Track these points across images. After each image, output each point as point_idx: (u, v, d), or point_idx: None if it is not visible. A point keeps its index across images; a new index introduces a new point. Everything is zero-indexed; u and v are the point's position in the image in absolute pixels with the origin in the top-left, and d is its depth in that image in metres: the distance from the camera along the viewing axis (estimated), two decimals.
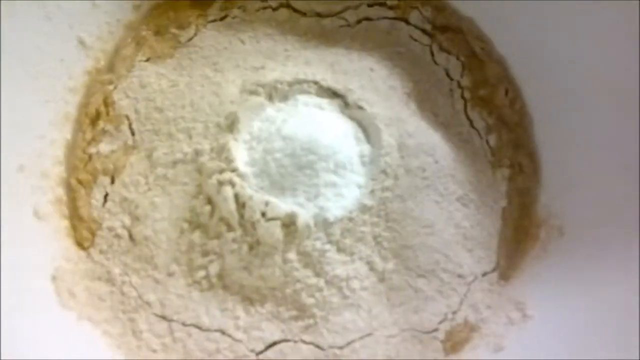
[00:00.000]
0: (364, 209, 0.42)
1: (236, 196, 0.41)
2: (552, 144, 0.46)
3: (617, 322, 0.38)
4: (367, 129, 0.44)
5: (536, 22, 0.46)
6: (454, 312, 0.42)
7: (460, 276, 0.43)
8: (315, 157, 0.41)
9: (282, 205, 0.41)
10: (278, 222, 0.40)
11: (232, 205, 0.41)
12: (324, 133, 0.42)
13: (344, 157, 0.42)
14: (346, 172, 0.42)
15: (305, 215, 0.41)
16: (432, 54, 0.49)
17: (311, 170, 0.41)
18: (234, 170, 0.42)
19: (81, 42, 0.46)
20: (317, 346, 0.41)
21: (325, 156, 0.41)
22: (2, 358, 0.34)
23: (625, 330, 0.37)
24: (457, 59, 0.49)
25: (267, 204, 0.41)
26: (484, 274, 0.44)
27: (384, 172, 0.42)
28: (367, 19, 0.50)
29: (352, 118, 0.45)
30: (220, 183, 0.41)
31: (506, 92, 0.48)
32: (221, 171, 0.42)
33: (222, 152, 0.42)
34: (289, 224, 0.40)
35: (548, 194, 0.46)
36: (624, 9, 0.41)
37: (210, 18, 0.50)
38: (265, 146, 0.43)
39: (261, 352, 0.41)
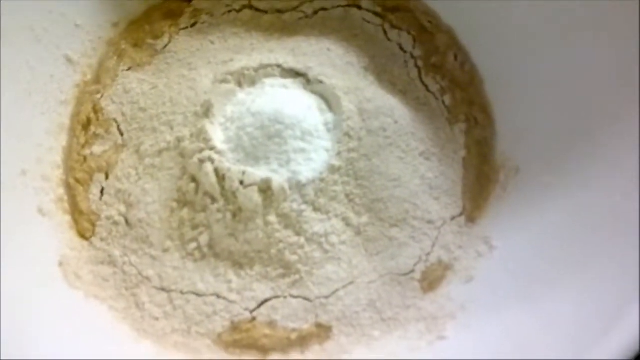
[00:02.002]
0: (333, 169, 0.46)
1: (216, 170, 0.45)
2: (503, 97, 0.51)
3: (569, 243, 0.41)
4: (328, 100, 0.49)
5: None
6: (428, 254, 0.46)
7: (430, 222, 0.47)
8: (282, 127, 0.46)
9: (258, 172, 0.45)
10: (255, 188, 0.44)
11: (213, 179, 0.45)
12: (289, 106, 0.47)
13: (309, 125, 0.47)
14: (313, 139, 0.47)
15: (279, 179, 0.45)
16: (385, 32, 0.54)
17: (280, 139, 0.46)
18: (212, 148, 0.46)
19: (68, 60, 0.52)
20: (305, 298, 0.44)
21: (291, 125, 0.46)
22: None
23: (574, 248, 0.40)
24: (408, 33, 0.54)
25: (243, 173, 0.45)
26: (452, 218, 0.47)
27: (347, 134, 0.47)
28: (323, 9, 0.55)
29: (314, 92, 0.49)
30: (201, 161, 0.46)
31: (455, 57, 0.52)
32: (201, 151, 0.46)
33: (200, 135, 0.47)
34: (265, 189, 0.45)
35: (504, 141, 0.49)
36: None
37: (182, 26, 0.55)
38: (238, 125, 0.47)
39: (254, 309, 0.44)
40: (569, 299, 0.38)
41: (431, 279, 0.45)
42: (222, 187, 0.45)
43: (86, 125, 0.51)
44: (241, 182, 0.45)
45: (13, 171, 0.46)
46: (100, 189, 0.49)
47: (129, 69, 0.53)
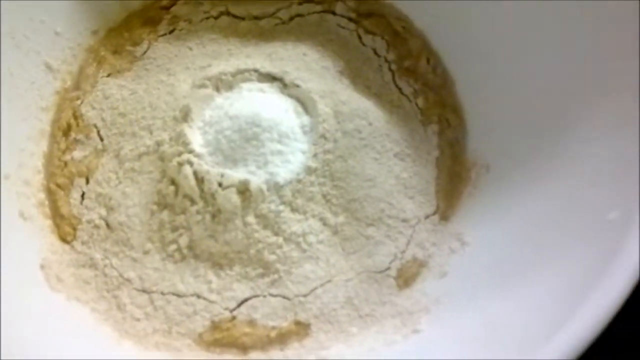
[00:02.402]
0: (309, 170, 0.47)
1: (195, 173, 0.46)
2: (473, 99, 0.52)
3: (538, 236, 0.43)
4: (304, 103, 0.50)
5: None
6: (403, 252, 0.47)
7: (404, 220, 0.48)
8: (260, 129, 0.47)
9: (235, 174, 0.46)
10: (233, 189, 0.45)
11: (192, 182, 0.46)
12: (266, 109, 0.48)
13: (285, 127, 0.48)
14: (290, 141, 0.48)
15: (257, 180, 0.46)
16: (360, 37, 0.55)
17: (257, 141, 0.47)
18: (191, 151, 0.47)
19: (48, 67, 0.52)
20: (284, 297, 0.45)
21: (268, 127, 0.47)
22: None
23: (543, 240, 0.42)
24: (382, 38, 0.55)
25: (222, 175, 0.46)
26: (427, 217, 0.49)
27: (323, 136, 0.48)
28: (299, 15, 0.56)
29: (290, 96, 0.50)
30: (180, 164, 0.47)
31: (428, 61, 0.54)
32: (180, 154, 0.47)
33: (179, 138, 0.48)
34: (243, 190, 0.46)
35: (475, 141, 0.51)
36: None
37: (161, 33, 0.56)
38: (216, 128, 0.48)
39: (234, 309, 0.45)
40: (539, 288, 0.39)
41: (406, 276, 0.47)
42: (201, 190, 0.46)
43: (66, 131, 0.52)
44: (220, 184, 0.46)
45: None
46: (80, 193, 0.49)
47: (109, 75, 0.54)
